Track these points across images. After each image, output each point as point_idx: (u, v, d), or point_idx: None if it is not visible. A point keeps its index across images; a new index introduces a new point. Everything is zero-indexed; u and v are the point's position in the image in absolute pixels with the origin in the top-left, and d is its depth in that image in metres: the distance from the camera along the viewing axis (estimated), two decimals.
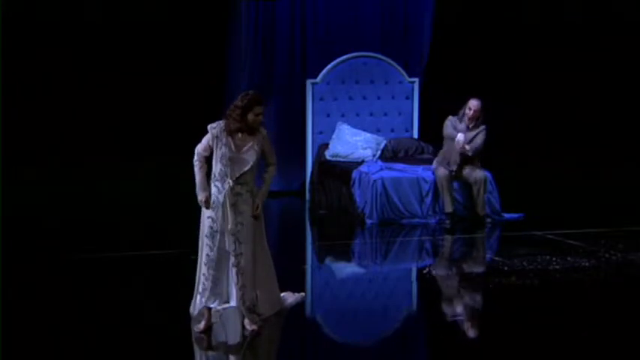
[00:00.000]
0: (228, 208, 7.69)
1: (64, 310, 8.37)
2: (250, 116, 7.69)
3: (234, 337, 7.75)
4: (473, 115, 11.99)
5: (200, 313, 7.83)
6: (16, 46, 12.89)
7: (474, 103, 12.00)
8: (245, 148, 7.72)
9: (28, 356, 7.32)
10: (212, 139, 7.73)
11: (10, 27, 12.49)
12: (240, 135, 7.72)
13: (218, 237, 7.72)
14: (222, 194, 7.69)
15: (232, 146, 7.70)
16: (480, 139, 12.01)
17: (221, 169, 7.72)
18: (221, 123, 7.75)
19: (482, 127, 12.06)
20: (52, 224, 11.81)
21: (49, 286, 9.14)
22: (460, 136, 11.92)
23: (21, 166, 13.04)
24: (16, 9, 12.81)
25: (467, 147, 11.94)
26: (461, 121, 12.07)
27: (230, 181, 7.69)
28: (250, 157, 7.72)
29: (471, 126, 12.00)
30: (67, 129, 13.42)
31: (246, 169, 7.71)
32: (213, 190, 7.74)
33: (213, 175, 7.76)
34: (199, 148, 7.80)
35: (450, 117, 12.14)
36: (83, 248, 10.49)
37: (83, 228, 11.64)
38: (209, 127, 7.76)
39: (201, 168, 7.80)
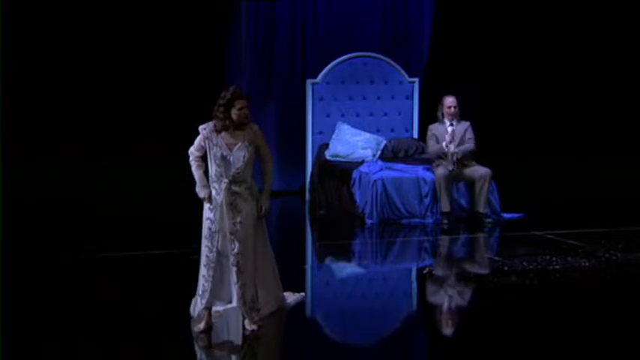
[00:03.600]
0: (225, 208, 7.66)
1: (64, 310, 8.36)
2: (234, 112, 7.61)
3: (234, 338, 7.74)
4: (453, 112, 12.09)
5: (200, 315, 7.82)
6: (16, 45, 12.88)
7: (449, 100, 12.11)
8: (236, 146, 7.65)
9: (28, 356, 7.31)
10: (203, 139, 7.69)
11: (10, 26, 12.48)
12: (229, 133, 7.67)
13: (216, 237, 7.70)
14: (220, 195, 7.67)
15: (223, 145, 7.65)
16: (470, 144, 12.05)
17: (216, 170, 7.68)
18: (210, 124, 7.70)
19: (467, 123, 12.13)
20: (53, 224, 11.80)
21: (49, 286, 9.14)
22: (442, 145, 11.99)
23: (21, 166, 13.02)
24: (16, 8, 12.80)
25: (456, 150, 11.99)
26: (442, 122, 12.13)
27: (226, 181, 7.67)
28: (243, 154, 7.64)
29: (453, 122, 12.06)
30: (66, 128, 13.40)
31: (240, 166, 7.65)
32: (212, 191, 7.71)
33: (210, 177, 7.74)
34: (192, 149, 7.77)
35: (430, 126, 12.22)
36: (83, 248, 10.49)
37: (83, 228, 11.63)
38: (200, 128, 7.71)
39: (198, 167, 7.77)
